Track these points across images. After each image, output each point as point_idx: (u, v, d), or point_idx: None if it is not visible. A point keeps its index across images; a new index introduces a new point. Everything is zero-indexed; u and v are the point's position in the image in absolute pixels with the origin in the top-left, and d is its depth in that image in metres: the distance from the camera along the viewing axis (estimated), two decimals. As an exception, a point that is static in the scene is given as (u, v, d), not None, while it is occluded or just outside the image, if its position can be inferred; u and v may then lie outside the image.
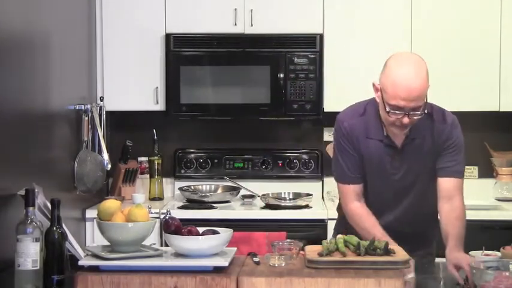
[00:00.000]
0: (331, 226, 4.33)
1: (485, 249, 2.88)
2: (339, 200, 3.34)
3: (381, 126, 3.11)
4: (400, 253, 2.75)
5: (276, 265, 2.70)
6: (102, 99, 4.61)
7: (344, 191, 3.22)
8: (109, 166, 4.35)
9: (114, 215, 2.70)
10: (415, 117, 2.98)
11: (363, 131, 3.14)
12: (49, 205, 2.72)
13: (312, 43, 4.68)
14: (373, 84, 3.07)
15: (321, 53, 4.69)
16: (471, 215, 4.34)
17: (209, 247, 2.68)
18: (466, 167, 4.92)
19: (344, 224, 3.29)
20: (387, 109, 2.98)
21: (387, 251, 2.72)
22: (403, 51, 3.17)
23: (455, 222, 3.08)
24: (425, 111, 2.99)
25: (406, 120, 2.97)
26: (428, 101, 3.10)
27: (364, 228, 3.12)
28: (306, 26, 4.70)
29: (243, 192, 4.77)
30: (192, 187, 4.89)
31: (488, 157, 4.91)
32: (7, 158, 3.12)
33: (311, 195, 4.65)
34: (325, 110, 4.71)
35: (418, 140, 3.11)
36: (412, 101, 2.93)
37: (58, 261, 2.61)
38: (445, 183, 3.13)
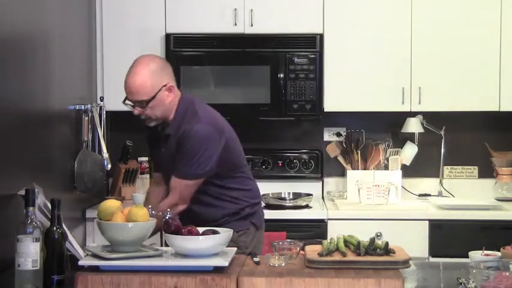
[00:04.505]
0: (331, 226, 4.34)
1: (485, 249, 2.87)
2: None
3: None
4: (400, 253, 2.75)
5: (276, 265, 2.70)
6: (102, 99, 4.61)
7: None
8: (109, 166, 4.35)
9: (114, 215, 2.71)
10: (139, 109, 3.29)
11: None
12: (49, 205, 2.72)
13: (312, 43, 4.68)
14: None
15: (321, 53, 4.68)
16: (471, 215, 4.38)
17: (209, 247, 2.68)
18: (467, 167, 5.00)
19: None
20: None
21: (387, 251, 2.72)
22: (149, 54, 3.43)
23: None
24: (144, 107, 3.26)
25: (135, 111, 3.32)
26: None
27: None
28: (306, 26, 4.70)
29: (243, 192, 4.76)
30: (192, 187, 4.88)
31: (488, 157, 4.90)
32: (7, 158, 3.11)
33: (311, 195, 4.65)
34: (325, 110, 4.71)
35: (170, 137, 3.36)
36: (130, 94, 3.30)
37: (58, 261, 2.61)
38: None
